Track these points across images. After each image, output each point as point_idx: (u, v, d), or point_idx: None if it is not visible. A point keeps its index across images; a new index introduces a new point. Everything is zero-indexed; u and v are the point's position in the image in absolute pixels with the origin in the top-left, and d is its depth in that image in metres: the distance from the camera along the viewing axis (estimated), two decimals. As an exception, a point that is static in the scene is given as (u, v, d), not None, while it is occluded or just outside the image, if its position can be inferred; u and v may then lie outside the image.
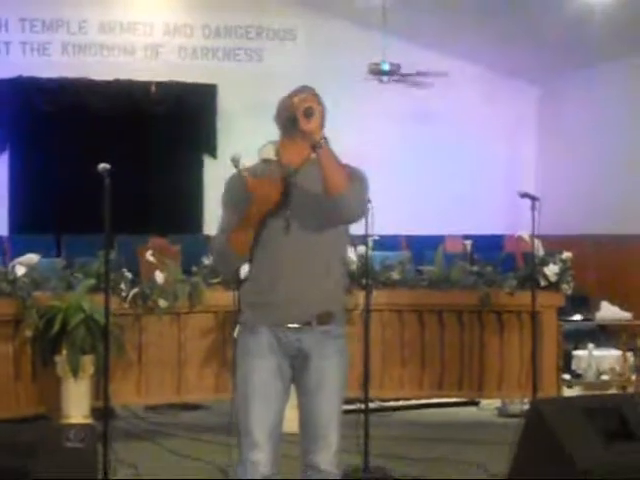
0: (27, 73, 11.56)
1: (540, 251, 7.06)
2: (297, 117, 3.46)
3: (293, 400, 3.72)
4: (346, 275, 3.93)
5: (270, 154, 3.69)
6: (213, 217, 3.89)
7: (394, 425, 7.20)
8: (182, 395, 6.89)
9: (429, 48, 12.17)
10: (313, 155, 3.54)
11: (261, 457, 3.56)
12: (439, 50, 12.23)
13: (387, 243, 7.79)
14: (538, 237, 6.43)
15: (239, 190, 3.61)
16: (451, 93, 12.30)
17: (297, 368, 3.66)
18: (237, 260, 3.68)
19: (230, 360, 6.36)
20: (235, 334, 3.72)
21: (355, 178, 3.58)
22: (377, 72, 11.67)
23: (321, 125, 3.50)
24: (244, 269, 3.75)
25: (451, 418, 7.55)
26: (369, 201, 5.17)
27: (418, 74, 11.67)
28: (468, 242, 7.91)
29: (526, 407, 6.09)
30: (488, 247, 8.89)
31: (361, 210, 3.66)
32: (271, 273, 3.60)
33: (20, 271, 6.38)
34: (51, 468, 3.64)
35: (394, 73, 11.66)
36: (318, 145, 3.46)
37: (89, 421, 5.98)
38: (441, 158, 12.49)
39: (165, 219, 11.18)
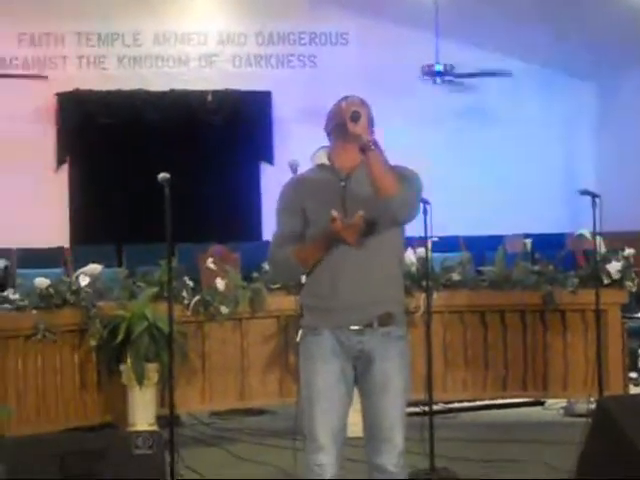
0: (84, 86, 11.74)
1: (602, 248, 6.97)
2: (345, 121, 3.49)
3: (356, 404, 3.72)
4: (404, 276, 3.92)
5: (323, 159, 3.74)
6: (272, 224, 3.92)
7: (458, 427, 7.15)
8: (246, 400, 6.92)
9: (482, 48, 12.09)
10: (364, 159, 3.55)
11: (326, 460, 3.58)
12: (493, 49, 12.14)
13: (446, 244, 7.74)
14: (600, 234, 6.35)
15: (296, 194, 3.68)
16: (507, 91, 12.23)
17: (360, 370, 3.67)
18: (302, 272, 3.74)
19: (293, 364, 6.41)
20: (298, 338, 3.75)
21: (406, 179, 3.58)
22: (430, 73, 11.65)
23: (368, 128, 3.52)
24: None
25: (516, 418, 7.48)
26: (427, 202, 5.21)
27: (475, 74, 11.61)
28: (528, 241, 7.81)
29: (592, 406, 6.01)
30: (549, 245, 8.77)
31: (413, 210, 3.64)
32: (331, 277, 3.62)
33: (84, 281, 6.46)
34: (121, 474, 3.69)
35: (448, 74, 11.62)
36: (366, 147, 3.48)
37: (155, 428, 6.03)
38: (499, 157, 12.40)
39: (224, 227, 11.25)
